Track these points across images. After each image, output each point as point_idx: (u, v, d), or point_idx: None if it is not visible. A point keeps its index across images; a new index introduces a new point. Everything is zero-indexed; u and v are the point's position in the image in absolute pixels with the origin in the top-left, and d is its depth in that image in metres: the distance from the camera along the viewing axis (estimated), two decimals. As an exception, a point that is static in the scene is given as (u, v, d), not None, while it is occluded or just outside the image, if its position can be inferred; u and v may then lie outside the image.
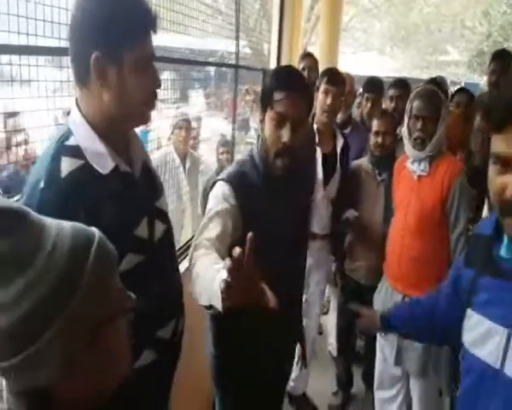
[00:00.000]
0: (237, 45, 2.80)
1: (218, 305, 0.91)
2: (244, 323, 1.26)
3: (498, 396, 0.86)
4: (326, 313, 3.14)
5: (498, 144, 0.79)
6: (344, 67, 4.60)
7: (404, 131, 1.90)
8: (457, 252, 1.77)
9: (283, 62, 3.55)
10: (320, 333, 3.02)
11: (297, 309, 1.60)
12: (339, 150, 2.30)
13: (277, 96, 1.25)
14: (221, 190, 1.30)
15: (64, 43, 1.11)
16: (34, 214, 0.61)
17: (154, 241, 1.07)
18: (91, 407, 0.62)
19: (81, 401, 0.61)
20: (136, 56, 0.94)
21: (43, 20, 1.14)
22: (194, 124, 3.36)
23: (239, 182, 1.31)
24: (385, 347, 2.06)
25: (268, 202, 1.32)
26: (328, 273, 2.52)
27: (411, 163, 1.88)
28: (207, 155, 3.66)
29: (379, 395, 2.21)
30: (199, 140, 3.61)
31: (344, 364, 2.59)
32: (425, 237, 1.83)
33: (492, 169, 0.82)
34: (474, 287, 0.94)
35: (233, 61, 2.85)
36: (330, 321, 2.81)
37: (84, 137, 0.94)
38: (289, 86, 1.26)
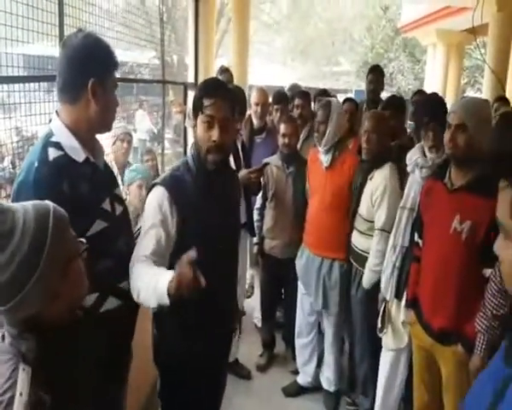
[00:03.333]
0: (163, 60, 2.90)
1: (166, 301, 1.24)
2: (183, 310, 1.46)
3: None
4: (249, 296, 3.55)
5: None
6: (252, 78, 5.07)
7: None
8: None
9: (201, 75, 3.78)
10: (243, 314, 3.44)
11: (233, 290, 1.78)
12: (240, 148, 2.80)
13: (206, 102, 1.47)
14: (156, 196, 1.49)
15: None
16: (5, 203, 0.85)
17: (116, 215, 1.44)
18: (65, 322, 0.90)
19: (60, 317, 0.89)
20: (113, 82, 1.37)
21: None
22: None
23: (173, 183, 1.51)
24: (304, 301, 2.65)
25: (201, 197, 1.52)
26: (244, 260, 2.88)
27: (321, 154, 2.48)
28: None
29: (299, 342, 2.77)
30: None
31: (268, 330, 3.08)
32: (336, 210, 2.44)
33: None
34: None
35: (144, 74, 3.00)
36: (255, 298, 3.29)
37: (64, 137, 1.30)
38: (216, 93, 1.49)
